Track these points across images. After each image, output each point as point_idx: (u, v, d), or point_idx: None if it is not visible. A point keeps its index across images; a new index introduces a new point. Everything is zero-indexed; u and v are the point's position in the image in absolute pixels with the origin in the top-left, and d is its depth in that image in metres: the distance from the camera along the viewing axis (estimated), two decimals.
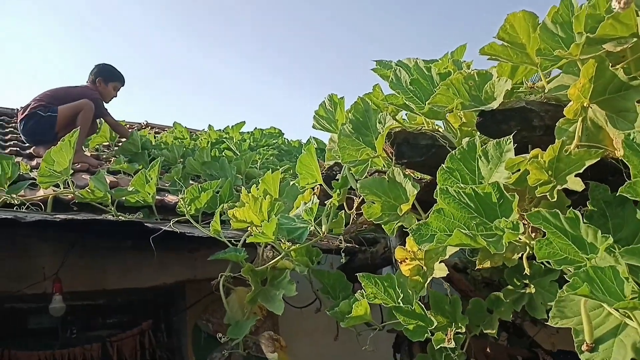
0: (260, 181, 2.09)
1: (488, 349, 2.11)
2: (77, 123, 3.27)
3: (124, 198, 2.23)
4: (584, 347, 0.84)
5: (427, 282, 1.41)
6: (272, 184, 2.06)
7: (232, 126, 4.85)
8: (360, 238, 2.28)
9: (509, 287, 1.45)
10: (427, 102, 1.35)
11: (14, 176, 1.97)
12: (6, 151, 3.29)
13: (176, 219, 2.05)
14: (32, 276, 2.10)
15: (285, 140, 4.76)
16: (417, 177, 1.71)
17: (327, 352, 2.78)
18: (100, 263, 2.35)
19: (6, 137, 3.95)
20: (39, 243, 2.11)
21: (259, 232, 1.61)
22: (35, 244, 2.10)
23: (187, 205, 2.14)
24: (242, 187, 2.28)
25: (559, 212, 0.94)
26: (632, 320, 0.82)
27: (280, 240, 1.71)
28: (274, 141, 4.40)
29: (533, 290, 1.40)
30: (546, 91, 1.32)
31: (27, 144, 3.58)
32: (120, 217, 2.10)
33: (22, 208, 1.91)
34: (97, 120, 3.81)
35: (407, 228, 1.42)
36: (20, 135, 3.63)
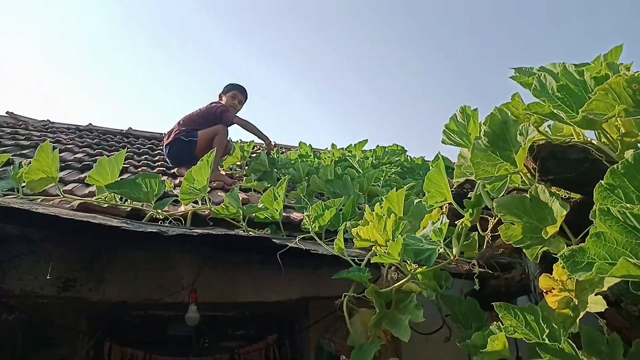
0: (383, 199, 2.03)
1: None
2: (214, 145, 3.59)
3: (254, 214, 2.33)
4: None
5: (580, 317, 1.22)
6: (397, 203, 1.99)
7: (355, 144, 4.89)
8: (492, 263, 2.09)
9: None
10: (580, 110, 1.18)
11: (160, 193, 2.18)
12: (154, 171, 3.68)
13: (301, 236, 2.07)
14: (172, 286, 2.27)
15: (408, 158, 4.65)
16: (564, 196, 1.52)
17: None
18: (231, 276, 2.46)
19: (155, 159, 4.42)
20: (179, 255, 2.29)
21: (384, 252, 1.54)
22: (175, 256, 2.28)
23: (311, 223, 2.16)
24: (365, 205, 2.23)
25: None
26: None
27: (406, 262, 1.62)
28: (397, 158, 4.32)
29: None
30: None
31: (171, 166, 3.99)
32: (250, 232, 2.19)
33: (166, 222, 2.09)
34: (231, 142, 4.11)
35: (554, 254, 1.25)
36: (166, 158, 4.06)
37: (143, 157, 4.44)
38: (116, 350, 2.28)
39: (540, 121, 1.38)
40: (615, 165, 1.08)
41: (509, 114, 1.41)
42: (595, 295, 1.21)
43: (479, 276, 1.93)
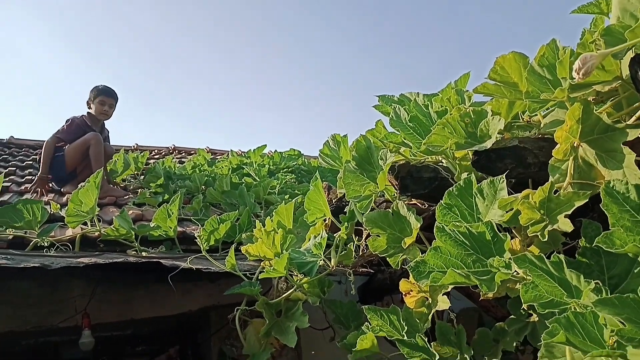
0: (274, 212, 2.16)
1: None
2: (90, 157, 3.51)
3: (147, 233, 2.34)
4: None
5: (431, 313, 1.45)
6: (286, 215, 2.13)
7: (254, 150, 4.98)
8: (378, 259, 2.31)
9: (513, 316, 1.46)
10: (423, 142, 1.39)
11: (43, 219, 2.11)
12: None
13: (197, 254, 2.13)
14: (64, 310, 2.22)
15: (305, 161, 4.84)
16: (425, 206, 1.75)
17: None
18: (128, 295, 2.45)
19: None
20: (70, 278, 2.23)
21: (271, 267, 1.68)
22: (66, 280, 2.22)
23: (205, 238, 2.23)
24: (257, 220, 2.35)
25: (543, 257, 0.97)
26: None
27: (292, 273, 1.77)
28: (294, 163, 4.49)
29: (536, 319, 1.41)
30: (542, 126, 1.36)
31: None
32: (143, 252, 2.21)
33: (52, 249, 2.04)
34: (109, 145, 3.94)
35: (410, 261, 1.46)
36: None
37: (27, 171, 4.15)
38: None
39: (398, 147, 1.60)
40: (451, 188, 1.31)
41: (372, 140, 1.60)
42: (442, 295, 1.45)
43: (364, 274, 2.15)
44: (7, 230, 2.11)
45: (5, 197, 3.03)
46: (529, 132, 1.39)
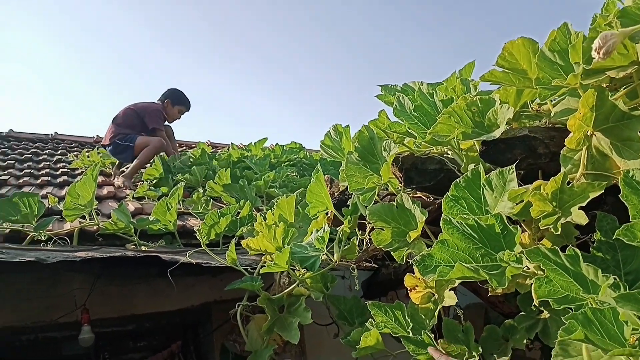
0: (275, 206, 2.12)
1: None
2: (141, 155, 3.87)
3: (147, 227, 2.30)
4: None
5: (438, 309, 1.40)
6: (288, 208, 2.09)
7: (255, 143, 4.93)
8: (382, 253, 2.27)
9: (523, 313, 1.42)
10: (428, 132, 1.34)
11: (40, 212, 2.07)
12: (38, 181, 3.44)
13: (198, 247, 2.10)
14: (64, 305, 2.19)
15: (307, 154, 4.79)
16: (430, 199, 1.70)
17: None
18: (127, 290, 2.42)
19: (40, 166, 4.11)
20: (69, 274, 2.20)
21: (272, 262, 1.64)
22: (65, 275, 2.19)
23: (206, 232, 2.19)
24: (259, 213, 2.31)
25: (558, 250, 0.92)
26: None
27: (295, 268, 1.73)
28: (295, 156, 4.44)
29: (547, 315, 1.37)
30: (552, 115, 1.30)
31: (58, 173, 3.78)
32: (143, 246, 2.17)
33: (49, 243, 2.00)
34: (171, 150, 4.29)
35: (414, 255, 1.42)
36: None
37: (26, 164, 4.11)
38: None
39: (402, 138, 1.55)
40: (458, 179, 1.26)
41: (375, 131, 1.55)
42: (450, 290, 1.41)
43: (368, 269, 2.11)
44: (3, 224, 2.07)
45: (4, 191, 2.99)
46: (538, 121, 1.34)
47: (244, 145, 5.13)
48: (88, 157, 4.42)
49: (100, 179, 3.57)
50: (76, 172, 4.08)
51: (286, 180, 3.41)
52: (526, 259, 1.02)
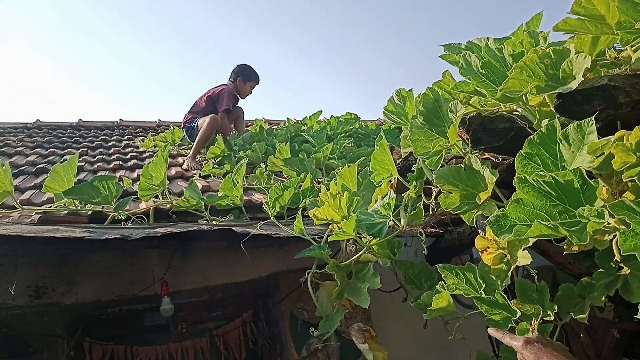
0: (337, 176, 2.14)
1: (591, 324, 1.99)
2: (201, 133, 4.09)
3: (215, 202, 2.40)
4: None
5: (511, 270, 1.38)
6: (350, 178, 2.10)
7: (310, 116, 4.96)
8: (447, 219, 2.24)
9: (601, 270, 1.36)
10: (499, 89, 1.30)
11: (118, 193, 2.21)
12: (111, 165, 3.65)
13: (264, 220, 2.16)
14: (144, 280, 2.34)
15: (362, 124, 4.76)
16: (499, 160, 1.65)
17: (422, 334, 2.80)
18: (201, 263, 2.55)
19: (110, 152, 4.35)
20: (147, 249, 2.35)
21: (340, 230, 1.66)
22: (144, 250, 2.33)
23: (271, 205, 2.26)
24: (321, 183, 2.34)
25: None
26: None
27: (361, 235, 1.75)
28: (351, 127, 4.43)
29: (628, 272, 1.31)
30: (633, 61, 1.22)
31: (128, 157, 4.01)
32: (213, 221, 2.27)
33: (128, 222, 2.14)
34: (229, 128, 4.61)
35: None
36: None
37: (97, 151, 4.37)
38: (97, 348, 2.35)
39: (469, 97, 1.50)
40: (531, 136, 1.22)
41: (440, 93, 1.52)
42: (524, 250, 1.37)
43: (431, 235, 2.10)
44: (86, 206, 2.23)
45: (81, 176, 3.20)
46: (618, 69, 1.25)
47: (299, 120, 5.17)
48: (153, 140, 4.62)
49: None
50: (144, 155, 4.28)
51: (344, 151, 3.42)
52: (609, 213, 0.98)
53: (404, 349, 2.91)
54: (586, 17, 1.19)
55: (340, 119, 4.71)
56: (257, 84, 4.80)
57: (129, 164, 3.77)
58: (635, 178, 1.02)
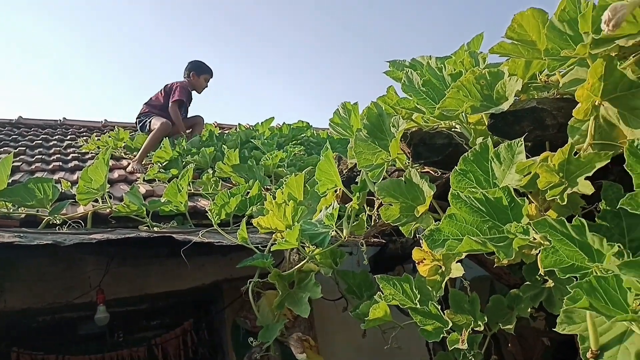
0: (284, 185, 2.14)
1: (521, 333, 2.09)
2: (149, 137, 4.08)
3: (158, 208, 2.34)
4: (588, 355, 0.85)
5: (444, 281, 1.43)
6: (297, 187, 2.11)
7: (262, 122, 4.93)
8: (390, 229, 2.29)
9: (528, 282, 1.44)
10: (437, 107, 1.35)
11: (54, 197, 2.11)
12: (50, 167, 3.48)
13: (209, 227, 2.13)
14: (79, 287, 2.24)
15: (314, 132, 4.79)
16: (438, 174, 1.71)
17: (364, 343, 2.83)
18: (141, 270, 2.47)
19: (50, 152, 4.15)
20: (83, 256, 2.25)
21: (283, 239, 1.66)
22: (79, 257, 2.24)
23: (217, 212, 2.22)
24: (268, 192, 2.33)
25: (565, 220, 0.93)
26: (637, 327, 0.82)
27: (304, 245, 1.76)
28: (302, 135, 4.44)
29: (552, 285, 1.39)
30: (560, 86, 1.30)
31: (69, 158, 3.84)
32: (155, 227, 2.20)
33: (64, 227, 2.04)
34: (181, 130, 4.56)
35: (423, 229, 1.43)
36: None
37: (37, 150, 4.15)
38: (25, 357, 2.23)
39: (410, 113, 1.55)
40: (466, 153, 1.27)
41: (384, 107, 1.56)
42: (456, 262, 1.42)
43: (376, 245, 2.14)
44: (19, 209, 2.12)
45: (17, 177, 3.03)
46: (546, 92, 1.33)
47: (251, 126, 5.14)
48: (98, 140, 4.46)
49: (110, 162, 3.61)
50: (86, 156, 4.12)
51: (294, 159, 3.42)
52: (533, 230, 1.03)
53: (347, 358, 2.94)
54: (519, 42, 1.26)
55: (292, 126, 4.72)
56: (211, 76, 4.88)
57: (70, 165, 3.61)
58: (557, 197, 1.09)
